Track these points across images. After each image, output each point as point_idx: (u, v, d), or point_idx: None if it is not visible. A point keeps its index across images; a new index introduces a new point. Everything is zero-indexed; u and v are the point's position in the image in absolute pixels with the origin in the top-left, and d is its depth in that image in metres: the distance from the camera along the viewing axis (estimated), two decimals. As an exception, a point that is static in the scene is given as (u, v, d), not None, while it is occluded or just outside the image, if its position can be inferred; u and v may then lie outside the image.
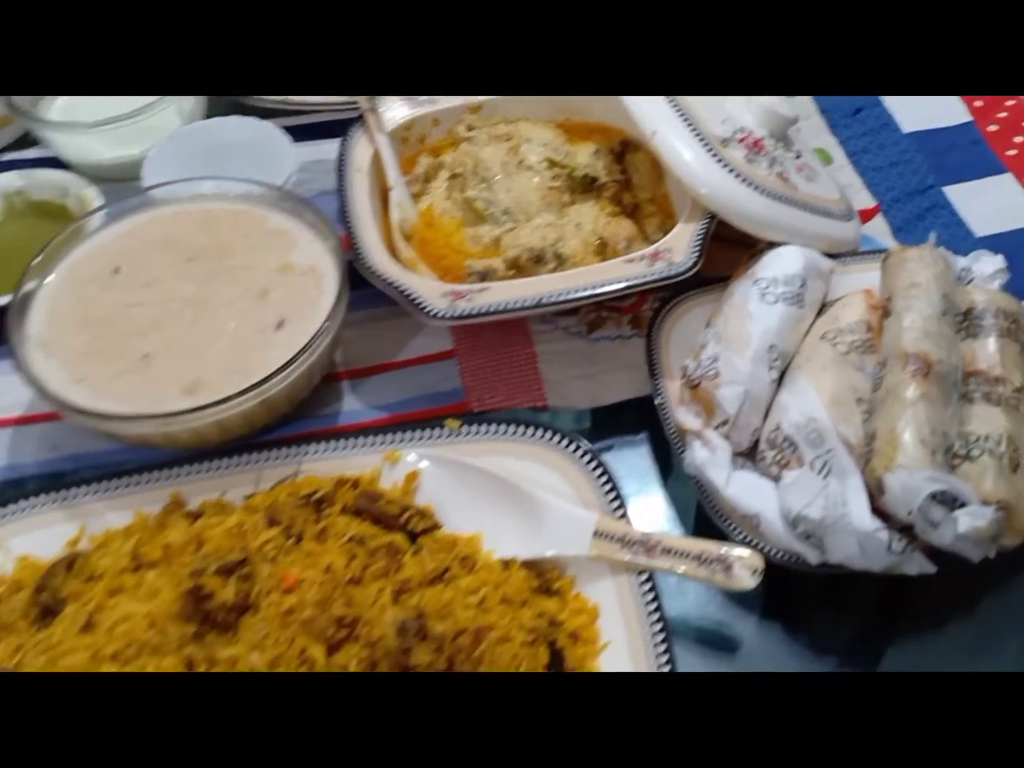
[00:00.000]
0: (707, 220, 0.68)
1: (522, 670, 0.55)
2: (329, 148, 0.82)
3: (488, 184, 0.74)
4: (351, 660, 0.54)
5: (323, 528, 0.61)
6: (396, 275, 0.67)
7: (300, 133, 0.83)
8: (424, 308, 0.65)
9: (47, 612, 0.58)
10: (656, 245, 0.67)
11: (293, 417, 0.69)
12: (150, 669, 0.53)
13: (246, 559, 0.57)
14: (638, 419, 0.70)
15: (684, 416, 0.64)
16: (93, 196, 0.79)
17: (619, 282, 0.65)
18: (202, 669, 0.53)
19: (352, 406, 0.72)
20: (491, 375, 0.73)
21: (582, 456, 0.64)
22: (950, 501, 0.54)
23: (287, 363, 0.63)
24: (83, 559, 0.60)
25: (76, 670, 0.54)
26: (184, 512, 0.63)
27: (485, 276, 0.70)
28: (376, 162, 0.76)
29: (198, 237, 0.71)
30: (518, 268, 0.71)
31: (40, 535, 0.62)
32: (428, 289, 0.66)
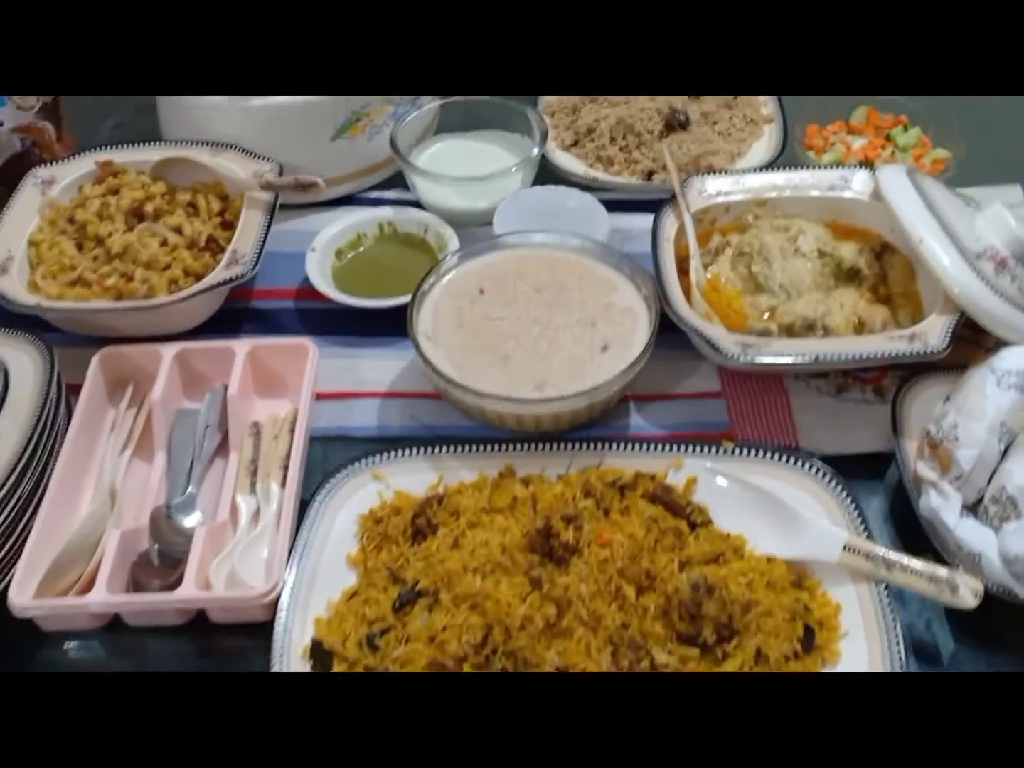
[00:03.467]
0: (957, 315, 0.84)
1: (781, 639, 0.71)
2: (623, 220, 1.03)
3: (768, 263, 0.93)
4: (651, 604, 0.72)
5: (626, 506, 0.79)
6: (699, 323, 0.86)
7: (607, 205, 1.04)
8: (723, 351, 0.83)
9: (418, 532, 0.78)
10: (913, 328, 0.84)
11: (596, 423, 0.88)
12: (503, 585, 0.72)
13: (577, 515, 0.76)
14: (874, 468, 0.85)
15: (923, 469, 0.79)
16: (449, 235, 1.01)
17: (886, 353, 0.81)
18: (545, 589, 0.72)
19: (638, 422, 0.90)
20: (752, 414, 0.90)
21: (836, 486, 0.80)
22: None
23: (615, 377, 0.82)
24: (448, 498, 0.80)
25: (450, 576, 0.74)
26: (515, 479, 0.83)
27: (763, 335, 0.88)
28: (678, 234, 0.95)
29: (543, 274, 0.92)
30: (791, 332, 0.88)
31: (409, 478, 0.83)
32: (723, 337, 0.85)
